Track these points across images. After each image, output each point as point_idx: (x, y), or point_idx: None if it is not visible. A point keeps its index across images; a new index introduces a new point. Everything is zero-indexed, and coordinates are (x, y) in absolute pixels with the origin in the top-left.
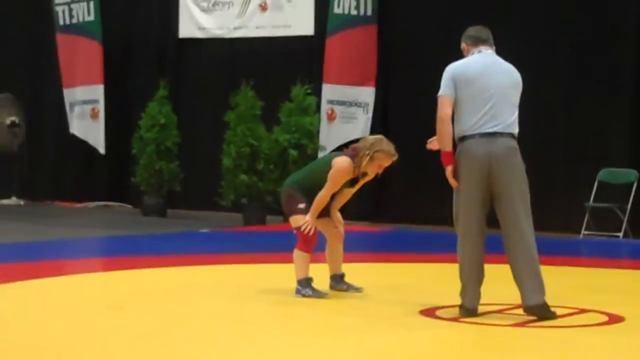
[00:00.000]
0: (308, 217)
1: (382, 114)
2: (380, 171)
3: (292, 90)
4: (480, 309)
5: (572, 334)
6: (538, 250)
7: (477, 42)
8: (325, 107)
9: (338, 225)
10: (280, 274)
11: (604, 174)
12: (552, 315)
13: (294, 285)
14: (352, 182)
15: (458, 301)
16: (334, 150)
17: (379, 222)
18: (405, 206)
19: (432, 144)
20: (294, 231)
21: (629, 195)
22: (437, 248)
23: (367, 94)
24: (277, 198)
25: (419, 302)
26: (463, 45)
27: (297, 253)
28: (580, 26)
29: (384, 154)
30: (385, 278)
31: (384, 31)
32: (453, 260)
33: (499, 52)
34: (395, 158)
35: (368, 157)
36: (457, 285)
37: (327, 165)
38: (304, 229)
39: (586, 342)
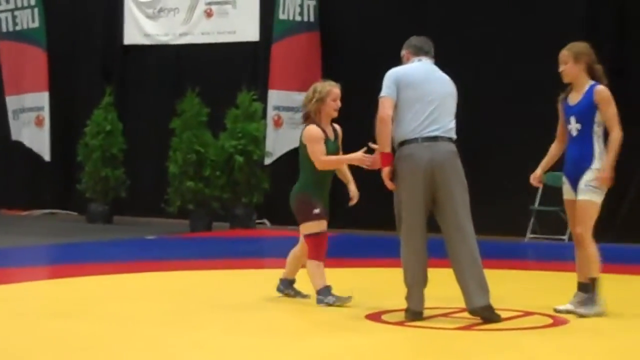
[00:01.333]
0: (338, 159)
1: None
2: (337, 107)
3: (238, 96)
4: (426, 312)
5: (516, 337)
6: (484, 254)
7: (419, 52)
8: (271, 113)
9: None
10: (227, 280)
11: (549, 178)
12: (496, 318)
13: (240, 290)
14: (335, 140)
15: (404, 305)
16: (280, 157)
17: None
18: (352, 211)
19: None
20: (304, 239)
21: None
22: (382, 252)
23: None
24: (224, 204)
25: (365, 306)
26: (404, 52)
27: (310, 263)
28: (520, 30)
29: (325, 90)
30: (331, 282)
31: (327, 37)
32: (398, 265)
33: (441, 57)
34: (337, 86)
35: (316, 103)
36: (403, 289)
37: (302, 147)
38: (367, 163)
39: (530, 344)
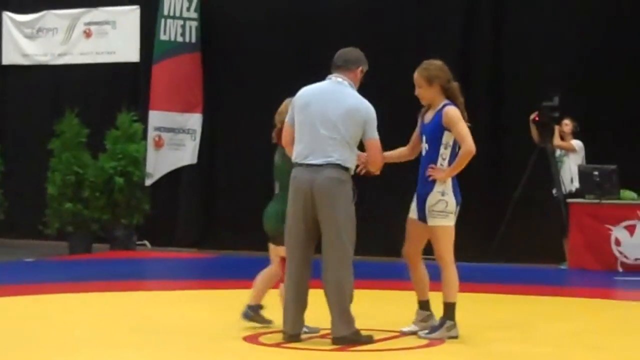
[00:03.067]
0: None
1: (210, 141)
2: None
3: (118, 117)
4: (304, 335)
5: (391, 357)
6: (367, 274)
7: (332, 68)
8: (152, 133)
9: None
10: (106, 302)
11: None
12: (364, 341)
13: (118, 312)
14: None
15: (280, 326)
16: (161, 178)
17: (206, 248)
18: (232, 233)
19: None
20: (279, 262)
21: None
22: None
23: (194, 120)
24: (104, 225)
25: (243, 328)
26: None
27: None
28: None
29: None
30: (210, 304)
31: (209, 57)
32: (273, 286)
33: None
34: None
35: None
36: (280, 310)
37: (285, 165)
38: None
39: None
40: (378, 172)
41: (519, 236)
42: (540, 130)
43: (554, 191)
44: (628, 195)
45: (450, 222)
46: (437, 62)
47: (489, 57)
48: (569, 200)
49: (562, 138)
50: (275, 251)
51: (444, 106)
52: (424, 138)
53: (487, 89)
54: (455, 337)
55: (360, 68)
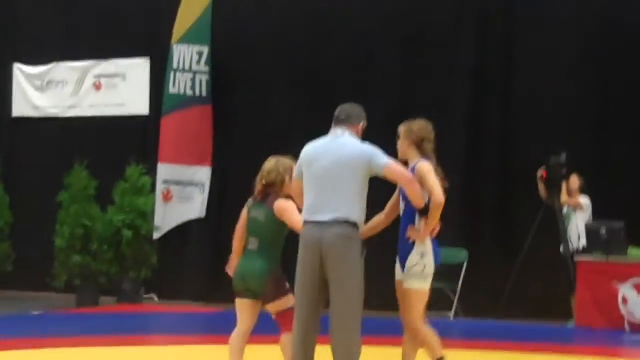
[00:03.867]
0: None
1: (219, 194)
2: None
3: (126, 170)
4: None
5: None
6: (365, 330)
7: (336, 122)
8: (160, 187)
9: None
10: (111, 357)
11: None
12: None
13: None
14: None
15: None
16: (169, 232)
17: (214, 302)
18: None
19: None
20: (274, 317)
21: (460, 275)
22: (269, 329)
23: (203, 173)
24: (111, 278)
25: None
26: None
27: (287, 338)
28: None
29: (289, 165)
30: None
31: (219, 110)
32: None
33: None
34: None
35: (282, 176)
36: None
37: (272, 223)
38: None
39: None
40: (423, 201)
41: (526, 293)
42: (548, 187)
43: (561, 248)
44: (636, 252)
45: (426, 285)
46: (421, 121)
47: (498, 118)
48: (577, 257)
49: (569, 194)
50: (274, 307)
51: (417, 163)
52: (401, 198)
53: (496, 150)
54: None
55: (362, 123)
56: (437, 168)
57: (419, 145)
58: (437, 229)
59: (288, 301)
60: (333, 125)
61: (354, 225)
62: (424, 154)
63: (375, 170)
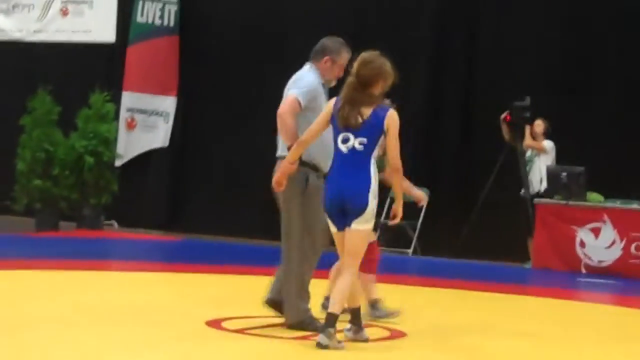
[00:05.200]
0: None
1: (183, 124)
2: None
3: (90, 96)
4: (269, 321)
5: (352, 348)
6: (323, 266)
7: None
8: (124, 115)
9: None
10: (68, 281)
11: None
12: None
13: (78, 292)
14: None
15: (245, 312)
16: (131, 160)
17: (173, 231)
18: (199, 217)
19: None
20: None
21: (419, 213)
22: (227, 259)
23: (168, 103)
24: (71, 203)
25: (206, 314)
26: None
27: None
28: None
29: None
30: (174, 287)
31: (186, 42)
32: (240, 272)
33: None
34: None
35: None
36: (245, 296)
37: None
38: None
39: (367, 356)
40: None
41: (485, 234)
42: (511, 130)
43: (521, 191)
44: (595, 197)
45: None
46: None
47: (461, 63)
48: (536, 200)
49: (533, 138)
50: None
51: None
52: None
53: (459, 89)
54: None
55: (325, 58)
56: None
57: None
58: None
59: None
60: None
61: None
62: None
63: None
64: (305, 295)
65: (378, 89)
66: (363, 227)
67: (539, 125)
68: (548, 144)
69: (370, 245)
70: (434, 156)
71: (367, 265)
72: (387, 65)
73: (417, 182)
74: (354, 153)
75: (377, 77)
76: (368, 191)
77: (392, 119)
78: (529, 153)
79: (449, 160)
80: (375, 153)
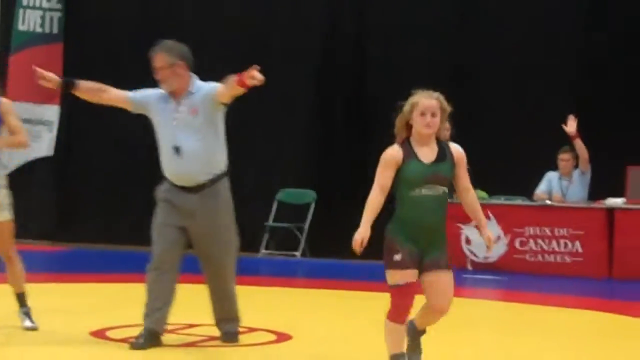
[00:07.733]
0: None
1: (67, 133)
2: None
3: None
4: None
5: (240, 353)
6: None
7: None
8: None
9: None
10: None
11: (282, 195)
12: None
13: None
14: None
15: (129, 321)
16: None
17: (59, 241)
18: (86, 226)
19: None
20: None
21: (307, 215)
22: (110, 267)
23: (51, 112)
24: None
25: (91, 323)
26: (180, 63)
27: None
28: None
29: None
30: (60, 297)
31: (71, 49)
32: (126, 280)
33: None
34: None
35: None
36: (129, 305)
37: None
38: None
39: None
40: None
41: (373, 234)
42: None
43: None
44: (479, 194)
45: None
46: None
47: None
48: None
49: None
50: None
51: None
52: None
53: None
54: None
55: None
56: None
57: None
58: None
59: (391, 276)
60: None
61: None
62: None
63: None
64: None
65: None
66: None
67: None
68: None
69: None
70: (323, 157)
71: None
72: None
73: (305, 183)
74: None
75: None
76: None
77: None
78: None
79: (338, 161)
80: None
